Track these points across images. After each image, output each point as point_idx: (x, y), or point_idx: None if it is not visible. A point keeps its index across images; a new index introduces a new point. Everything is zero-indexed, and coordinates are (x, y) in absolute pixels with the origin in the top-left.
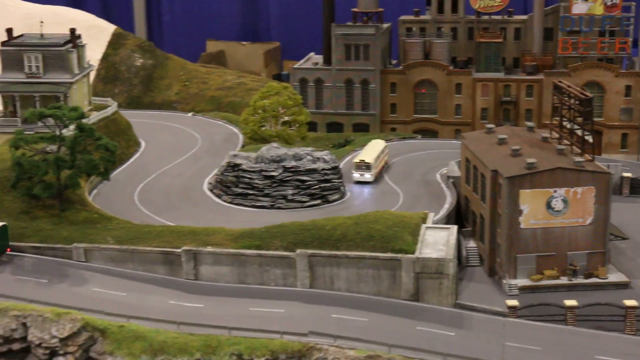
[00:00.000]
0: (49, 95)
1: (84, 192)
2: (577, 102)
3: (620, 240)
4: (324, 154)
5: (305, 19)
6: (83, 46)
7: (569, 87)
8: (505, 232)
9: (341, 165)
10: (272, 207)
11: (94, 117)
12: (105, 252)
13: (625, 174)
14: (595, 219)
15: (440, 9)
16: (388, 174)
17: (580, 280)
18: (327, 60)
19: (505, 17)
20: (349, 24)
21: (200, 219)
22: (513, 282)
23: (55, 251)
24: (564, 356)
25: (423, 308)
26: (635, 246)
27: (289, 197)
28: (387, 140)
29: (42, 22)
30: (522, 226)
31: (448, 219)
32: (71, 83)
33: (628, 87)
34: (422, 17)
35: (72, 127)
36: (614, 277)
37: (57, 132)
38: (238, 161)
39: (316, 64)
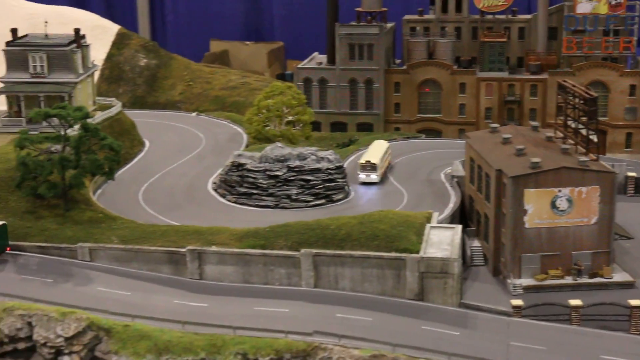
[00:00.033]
0: (54, 95)
1: (88, 191)
2: (581, 102)
3: (625, 240)
4: (328, 154)
5: (309, 18)
6: (87, 46)
7: (574, 86)
8: (510, 231)
9: (345, 165)
10: (276, 206)
11: (99, 117)
12: (110, 252)
13: (630, 174)
14: (600, 218)
15: (444, 9)
16: (392, 173)
17: (584, 279)
18: (331, 60)
19: (509, 16)
20: (353, 23)
21: (205, 219)
22: (517, 281)
23: (60, 251)
24: (568, 356)
25: (428, 307)
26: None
27: (293, 197)
28: (390, 140)
29: (46, 22)
30: (526, 226)
31: (452, 219)
32: (76, 83)
33: (632, 87)
34: (426, 16)
35: (76, 127)
36: (619, 276)
37: (62, 132)
38: (242, 161)
39: (320, 63)
